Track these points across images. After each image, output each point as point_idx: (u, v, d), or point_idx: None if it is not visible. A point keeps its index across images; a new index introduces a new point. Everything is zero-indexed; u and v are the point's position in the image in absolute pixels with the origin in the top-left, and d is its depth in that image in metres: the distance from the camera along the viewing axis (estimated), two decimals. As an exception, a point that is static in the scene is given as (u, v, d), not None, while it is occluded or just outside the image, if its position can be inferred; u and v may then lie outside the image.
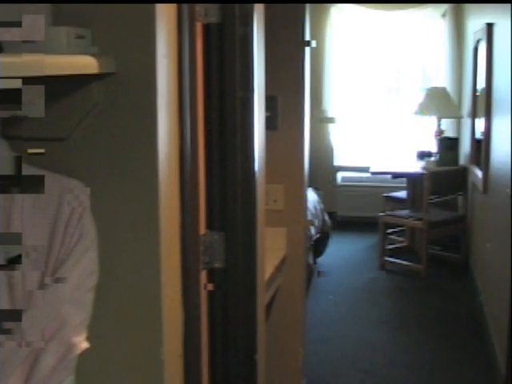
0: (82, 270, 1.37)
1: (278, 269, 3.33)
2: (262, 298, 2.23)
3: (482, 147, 5.55)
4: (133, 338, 1.52)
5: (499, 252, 4.25)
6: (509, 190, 3.59)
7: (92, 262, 1.40)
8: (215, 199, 1.88)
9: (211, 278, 1.90)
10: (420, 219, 5.84)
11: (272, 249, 3.34)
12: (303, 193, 3.40)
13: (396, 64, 7.96)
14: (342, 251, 6.84)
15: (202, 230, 1.84)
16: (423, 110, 6.67)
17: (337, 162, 8.18)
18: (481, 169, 5.39)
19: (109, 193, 1.47)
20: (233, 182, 1.89)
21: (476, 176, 5.39)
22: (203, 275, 1.85)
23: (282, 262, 3.38)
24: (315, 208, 5.77)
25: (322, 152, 8.11)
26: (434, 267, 6.05)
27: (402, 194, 6.93)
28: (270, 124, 3.14)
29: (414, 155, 7.52)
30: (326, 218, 6.14)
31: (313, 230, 5.42)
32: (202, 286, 1.84)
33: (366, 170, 7.60)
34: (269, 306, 3.36)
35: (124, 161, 1.46)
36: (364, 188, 7.80)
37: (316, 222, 5.67)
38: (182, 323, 1.65)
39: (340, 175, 8.04)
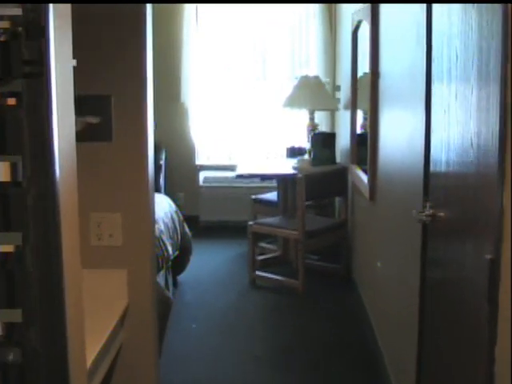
0: None
1: (119, 324, 2.40)
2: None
3: (364, 144, 4.86)
4: None
5: (391, 271, 3.51)
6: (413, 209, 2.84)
7: None
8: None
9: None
10: (295, 229, 5.04)
11: (108, 298, 2.40)
12: (149, 222, 2.47)
13: (264, 51, 7.13)
14: (207, 264, 5.95)
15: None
16: (292, 102, 5.89)
17: (199, 161, 7.28)
18: (364, 170, 4.66)
19: None
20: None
21: (359, 179, 4.65)
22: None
23: (124, 314, 2.45)
24: (172, 220, 4.84)
25: (181, 150, 7.18)
26: (313, 281, 5.29)
27: (273, 195, 6.14)
28: (100, 134, 2.36)
29: (285, 152, 6.77)
30: (187, 229, 5.22)
31: (170, 248, 4.49)
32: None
33: (231, 168, 6.75)
34: (111, 368, 2.45)
35: None
36: (230, 189, 6.93)
37: (174, 238, 4.75)
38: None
39: (202, 175, 7.14)
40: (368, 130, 4.19)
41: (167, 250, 4.38)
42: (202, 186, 7.03)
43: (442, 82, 2.26)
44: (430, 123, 2.48)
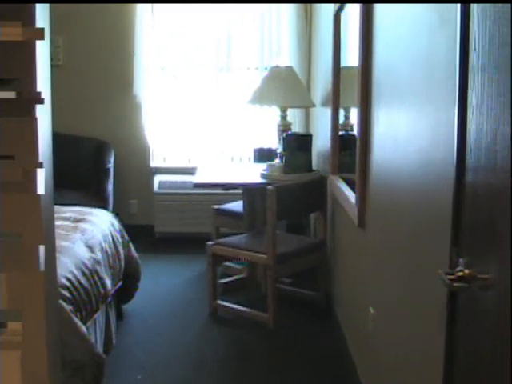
0: None
1: None
2: None
3: (346, 149, 4.02)
4: None
5: (389, 323, 2.67)
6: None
7: None
8: None
9: None
10: (263, 252, 4.17)
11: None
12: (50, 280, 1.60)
13: (229, 39, 6.21)
14: (161, 287, 5.07)
15: None
16: (261, 97, 5.00)
17: (154, 163, 6.37)
18: (348, 182, 3.81)
19: None
20: None
21: (342, 195, 3.79)
22: None
23: None
24: (114, 244, 3.93)
25: (133, 150, 6.27)
26: (285, 311, 4.43)
27: (239, 205, 5.26)
28: None
29: (252, 154, 5.91)
30: (133, 252, 4.32)
31: (109, 282, 3.60)
32: None
33: (191, 171, 5.88)
34: None
35: None
36: (188, 196, 6.03)
37: (116, 267, 3.86)
38: None
39: (157, 179, 6.23)
40: (357, 132, 3.32)
41: (104, 286, 3.49)
42: (157, 192, 6.12)
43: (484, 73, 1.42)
44: (466, 125, 1.63)
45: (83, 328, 2.92)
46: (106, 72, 6.17)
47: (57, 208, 4.01)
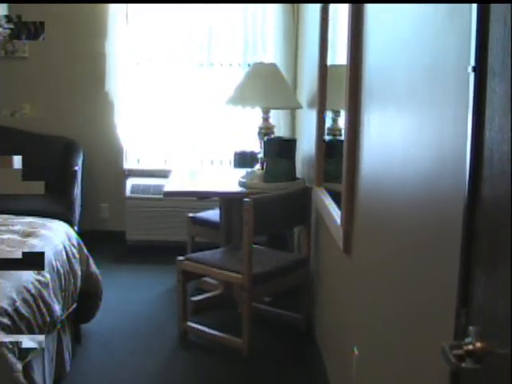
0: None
1: None
2: None
3: (333, 157, 3.60)
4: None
5: (376, 368, 2.24)
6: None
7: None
8: None
9: None
10: (238, 272, 3.73)
11: None
12: None
13: (210, 34, 5.75)
14: (127, 303, 4.61)
15: None
16: (241, 97, 4.55)
17: (127, 165, 5.91)
18: (332, 195, 3.38)
19: None
20: None
21: (327, 211, 3.35)
22: None
23: None
24: (68, 262, 3.47)
25: (105, 151, 5.82)
26: (262, 336, 4.01)
27: (216, 214, 4.83)
28: None
29: (231, 158, 5.47)
30: (93, 268, 3.86)
31: (58, 308, 3.14)
32: None
33: (166, 175, 5.43)
34: None
35: None
36: (163, 202, 5.56)
37: (69, 289, 3.41)
38: None
39: (130, 182, 5.77)
40: (345, 138, 2.87)
41: (51, 312, 3.03)
42: (128, 197, 5.66)
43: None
44: (484, 133, 1.21)
45: (18, 367, 2.48)
46: (76, 66, 5.70)
47: (5, 219, 3.55)
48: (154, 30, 5.72)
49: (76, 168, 5.32)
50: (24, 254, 2.79)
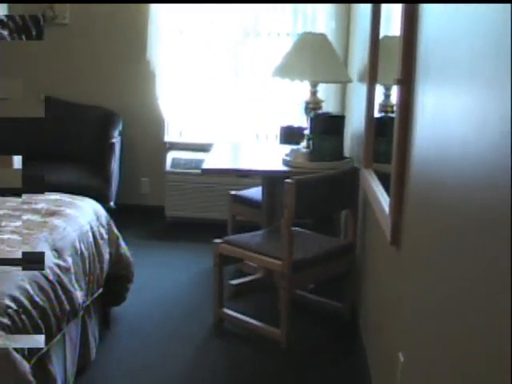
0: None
1: None
2: None
3: (385, 135, 3.27)
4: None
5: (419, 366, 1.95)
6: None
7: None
8: None
9: None
10: (278, 258, 3.46)
11: None
12: None
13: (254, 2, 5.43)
14: (161, 284, 4.39)
15: None
16: (288, 69, 4.24)
17: (168, 138, 5.67)
18: (381, 179, 3.06)
19: None
20: None
21: (374, 196, 3.04)
22: None
23: None
24: (94, 244, 3.25)
25: (145, 122, 5.59)
26: (302, 325, 3.75)
27: (259, 192, 4.54)
28: None
29: (277, 134, 5.16)
30: (123, 250, 3.63)
31: (79, 295, 2.92)
32: None
33: (209, 149, 5.16)
34: None
35: None
36: (204, 177, 5.30)
37: (95, 273, 3.19)
38: None
39: (171, 156, 5.53)
40: (396, 116, 2.55)
41: (72, 300, 2.81)
42: (168, 172, 5.42)
43: None
44: None
45: (23, 364, 2.26)
46: (117, 33, 5.45)
47: (29, 196, 3.34)
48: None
49: (114, 140, 5.11)
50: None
